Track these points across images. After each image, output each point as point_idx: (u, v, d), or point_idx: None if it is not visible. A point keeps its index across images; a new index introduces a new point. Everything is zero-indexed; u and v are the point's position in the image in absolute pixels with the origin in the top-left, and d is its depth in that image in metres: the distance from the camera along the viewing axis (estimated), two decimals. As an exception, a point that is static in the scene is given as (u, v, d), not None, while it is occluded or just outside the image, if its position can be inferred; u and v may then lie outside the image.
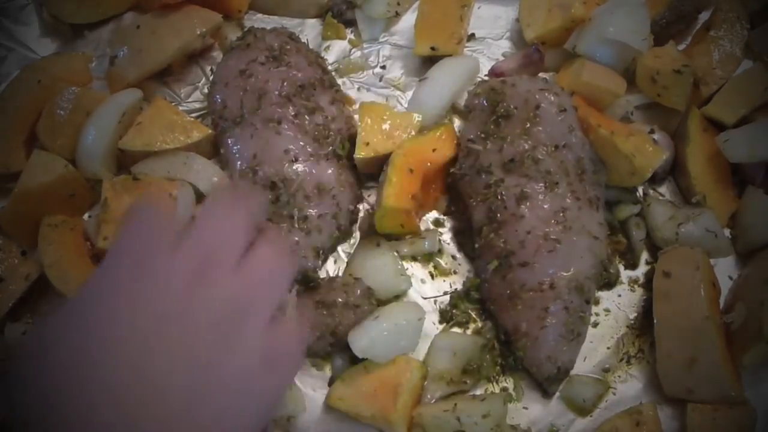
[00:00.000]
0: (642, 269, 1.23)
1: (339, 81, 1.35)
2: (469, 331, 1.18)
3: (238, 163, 1.18)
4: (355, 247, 1.23)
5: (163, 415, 0.71)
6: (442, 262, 1.23)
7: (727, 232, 1.24)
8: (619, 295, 1.21)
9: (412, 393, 1.08)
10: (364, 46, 1.42)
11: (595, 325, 1.18)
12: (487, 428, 1.06)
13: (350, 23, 1.43)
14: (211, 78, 1.28)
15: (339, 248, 1.23)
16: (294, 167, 1.16)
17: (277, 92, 1.19)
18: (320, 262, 1.18)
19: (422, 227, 1.24)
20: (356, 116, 1.26)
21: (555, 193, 1.13)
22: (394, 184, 1.15)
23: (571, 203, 1.14)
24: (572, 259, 1.11)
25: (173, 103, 1.32)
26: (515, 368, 1.14)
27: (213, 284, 0.79)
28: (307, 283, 1.15)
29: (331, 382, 1.13)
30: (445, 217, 1.26)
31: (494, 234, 1.14)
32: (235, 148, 1.19)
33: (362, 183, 1.27)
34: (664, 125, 1.28)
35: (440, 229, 1.25)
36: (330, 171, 1.18)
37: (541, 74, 1.34)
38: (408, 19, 1.42)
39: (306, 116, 1.19)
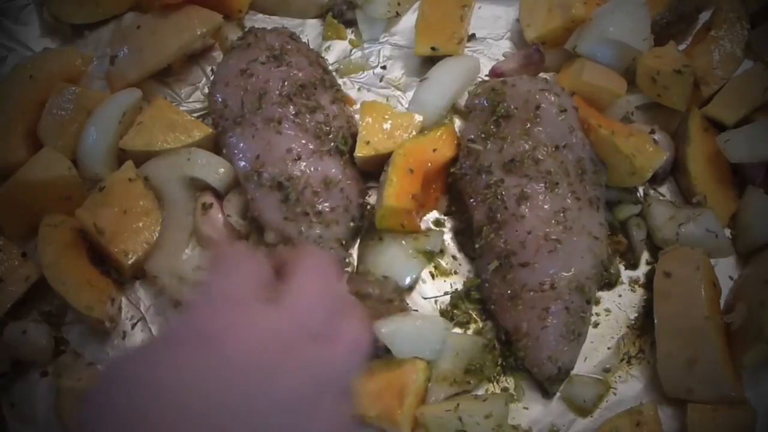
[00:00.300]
0: (642, 269, 1.23)
1: (339, 81, 1.35)
2: (470, 332, 1.18)
3: (241, 164, 1.19)
4: (357, 247, 1.23)
5: None
6: (442, 262, 1.23)
7: (727, 232, 1.24)
8: (620, 295, 1.21)
9: (417, 394, 1.08)
10: (365, 46, 1.42)
11: (596, 325, 1.18)
12: (489, 428, 1.06)
13: (351, 23, 1.43)
14: (211, 78, 1.28)
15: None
16: (298, 165, 1.16)
17: (277, 92, 1.19)
18: (347, 252, 1.19)
19: (423, 227, 1.24)
20: (357, 116, 1.26)
21: (555, 193, 1.13)
22: (395, 183, 1.15)
23: (571, 203, 1.14)
24: (573, 259, 1.11)
25: (174, 103, 1.32)
26: (516, 368, 1.14)
27: (302, 355, 0.73)
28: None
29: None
30: (445, 217, 1.27)
31: (494, 234, 1.14)
32: (236, 148, 1.19)
33: (364, 180, 1.27)
34: (664, 125, 1.29)
35: (440, 229, 1.25)
36: (335, 166, 1.18)
37: (541, 74, 1.34)
38: (408, 20, 1.42)
39: (307, 115, 1.19)
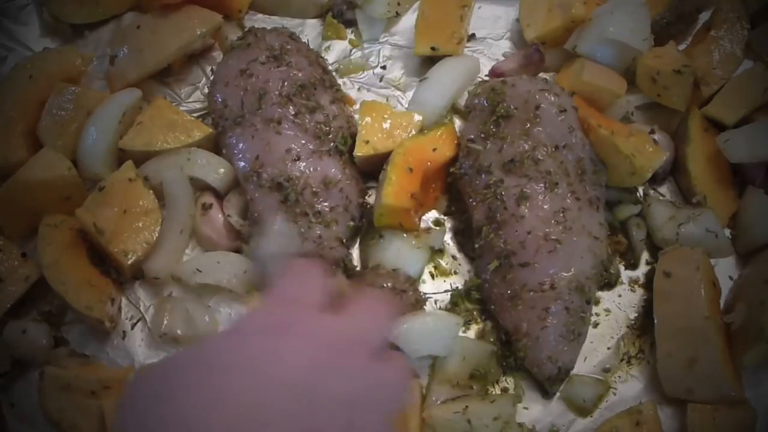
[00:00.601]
0: (642, 269, 1.23)
1: (339, 81, 1.35)
2: (471, 331, 1.18)
3: (241, 164, 1.19)
4: (357, 247, 1.23)
5: None
6: (442, 262, 1.23)
7: (727, 232, 1.24)
8: (620, 296, 1.21)
9: (419, 415, 1.08)
10: (365, 46, 1.42)
11: (596, 325, 1.18)
12: (497, 430, 1.06)
13: (350, 23, 1.43)
14: (211, 78, 1.28)
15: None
16: (297, 165, 1.16)
17: (277, 92, 1.19)
18: (348, 251, 1.19)
19: (422, 227, 1.24)
20: (356, 116, 1.26)
21: (555, 193, 1.13)
22: (394, 182, 1.15)
23: (571, 203, 1.14)
24: (573, 259, 1.11)
25: (174, 103, 1.32)
26: (516, 368, 1.14)
27: (358, 362, 0.78)
28: (349, 271, 1.16)
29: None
30: (445, 217, 1.26)
31: (494, 234, 1.14)
32: (236, 149, 1.19)
33: (364, 180, 1.27)
34: (664, 125, 1.29)
35: (440, 229, 1.25)
36: (334, 166, 1.18)
37: (541, 74, 1.34)
38: (408, 20, 1.42)
39: (306, 115, 1.19)
